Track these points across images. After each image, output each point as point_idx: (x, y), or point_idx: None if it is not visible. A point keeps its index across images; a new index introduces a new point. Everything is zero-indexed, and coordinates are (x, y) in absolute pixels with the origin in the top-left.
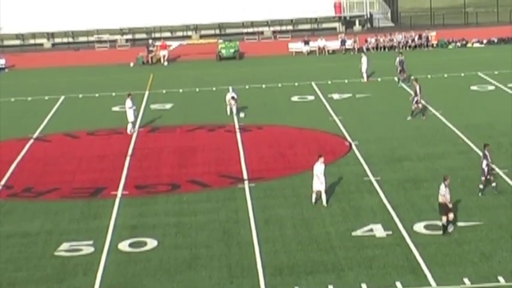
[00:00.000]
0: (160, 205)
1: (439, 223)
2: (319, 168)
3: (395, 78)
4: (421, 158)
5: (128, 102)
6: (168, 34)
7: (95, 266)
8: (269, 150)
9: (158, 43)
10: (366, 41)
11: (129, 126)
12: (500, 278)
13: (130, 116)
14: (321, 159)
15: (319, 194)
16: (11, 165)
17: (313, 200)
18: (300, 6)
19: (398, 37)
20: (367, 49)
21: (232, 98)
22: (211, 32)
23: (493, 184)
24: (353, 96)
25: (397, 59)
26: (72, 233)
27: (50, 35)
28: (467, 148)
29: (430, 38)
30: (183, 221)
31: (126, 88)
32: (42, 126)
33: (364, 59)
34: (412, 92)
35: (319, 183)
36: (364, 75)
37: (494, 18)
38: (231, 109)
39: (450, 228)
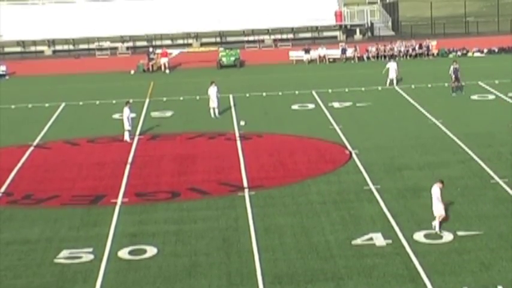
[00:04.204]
0: (160, 213)
1: (439, 232)
2: (437, 191)
3: (450, 87)
4: (421, 167)
5: (126, 111)
6: (168, 42)
7: (94, 273)
8: (269, 158)
9: (159, 51)
10: (367, 49)
11: (126, 134)
12: None
13: (127, 124)
14: (439, 183)
15: (441, 218)
16: (11, 172)
17: (437, 227)
18: (300, 15)
19: (399, 46)
20: (368, 58)
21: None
22: (212, 40)
23: None
24: (353, 105)
25: (451, 68)
26: (71, 241)
27: (51, 42)
28: (467, 157)
29: (430, 47)
30: (183, 228)
31: (127, 96)
32: (42, 133)
33: (392, 65)
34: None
35: (441, 207)
36: (394, 81)
37: (494, 28)
38: (214, 111)
39: None
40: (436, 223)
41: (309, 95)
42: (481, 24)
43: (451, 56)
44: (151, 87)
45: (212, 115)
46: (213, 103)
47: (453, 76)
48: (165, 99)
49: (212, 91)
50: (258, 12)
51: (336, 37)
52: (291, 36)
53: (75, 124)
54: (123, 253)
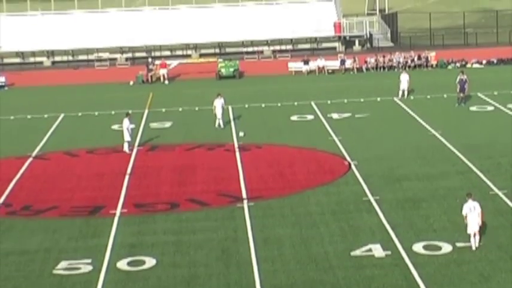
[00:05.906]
0: (159, 224)
1: (438, 243)
2: (477, 207)
3: (457, 98)
4: (420, 178)
5: (126, 121)
6: (167, 53)
7: (93, 284)
8: (268, 169)
9: (158, 62)
10: (366, 61)
11: (126, 145)
12: None
13: (127, 135)
14: (472, 198)
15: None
16: (10, 183)
17: (473, 244)
18: (299, 26)
19: (398, 57)
20: (367, 69)
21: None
22: (211, 51)
23: None
24: (352, 116)
25: (458, 78)
26: (70, 252)
27: (50, 53)
28: (467, 168)
29: (429, 58)
30: (182, 239)
31: (126, 106)
32: (41, 144)
33: (404, 76)
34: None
35: (475, 224)
36: (405, 92)
37: (493, 39)
38: (219, 122)
39: None
40: (476, 238)
41: (308, 106)
42: (480, 36)
43: (450, 67)
44: (151, 98)
45: (216, 125)
46: (219, 114)
47: (458, 87)
48: (164, 110)
49: (218, 103)
50: (257, 23)
51: (335, 48)
52: (290, 47)
53: (74, 135)
54: (122, 264)
